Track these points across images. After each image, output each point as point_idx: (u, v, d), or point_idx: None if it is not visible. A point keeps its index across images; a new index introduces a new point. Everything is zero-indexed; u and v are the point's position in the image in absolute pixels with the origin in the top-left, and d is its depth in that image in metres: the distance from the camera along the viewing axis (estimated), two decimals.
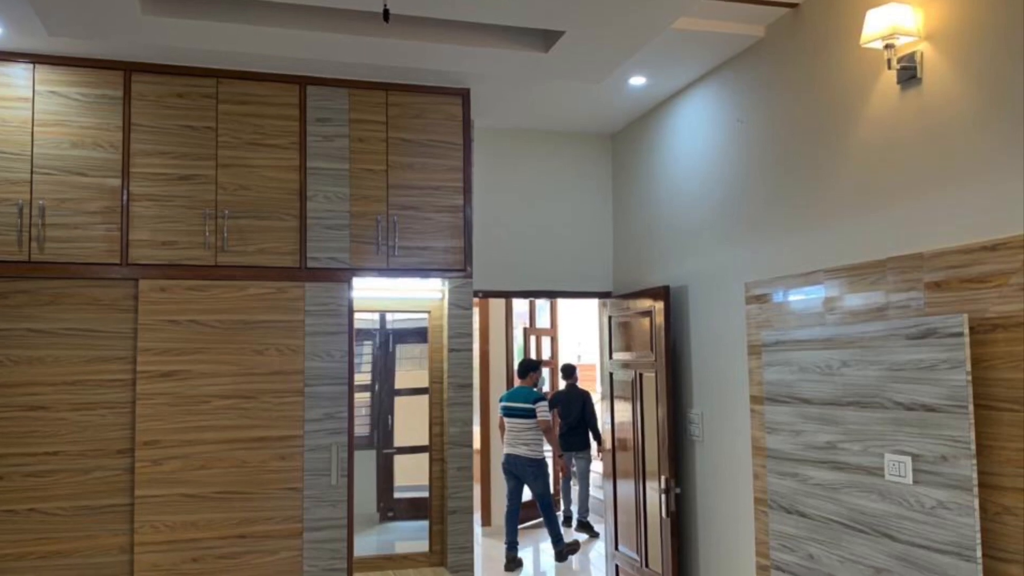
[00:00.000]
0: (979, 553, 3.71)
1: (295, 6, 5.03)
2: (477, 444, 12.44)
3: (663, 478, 6.46)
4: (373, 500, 6.42)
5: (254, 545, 5.55)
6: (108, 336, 5.45)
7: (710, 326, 6.17)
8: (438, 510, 6.36)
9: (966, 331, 3.81)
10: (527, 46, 5.55)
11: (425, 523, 6.39)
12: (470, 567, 6.16)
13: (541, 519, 11.43)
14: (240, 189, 5.70)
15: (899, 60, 4.39)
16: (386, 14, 3.64)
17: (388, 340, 6.49)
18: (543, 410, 10.59)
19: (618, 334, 7.36)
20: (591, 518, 12.63)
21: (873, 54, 4.63)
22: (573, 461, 12.36)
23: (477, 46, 5.43)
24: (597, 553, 11.32)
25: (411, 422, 6.44)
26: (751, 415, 5.41)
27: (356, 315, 6.25)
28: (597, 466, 12.61)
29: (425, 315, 6.47)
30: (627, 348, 7.17)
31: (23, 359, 5.31)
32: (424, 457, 6.41)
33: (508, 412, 10.78)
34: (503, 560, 10.68)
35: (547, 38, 5.49)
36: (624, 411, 7.24)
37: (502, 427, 11.02)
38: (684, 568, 6.49)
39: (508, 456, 10.75)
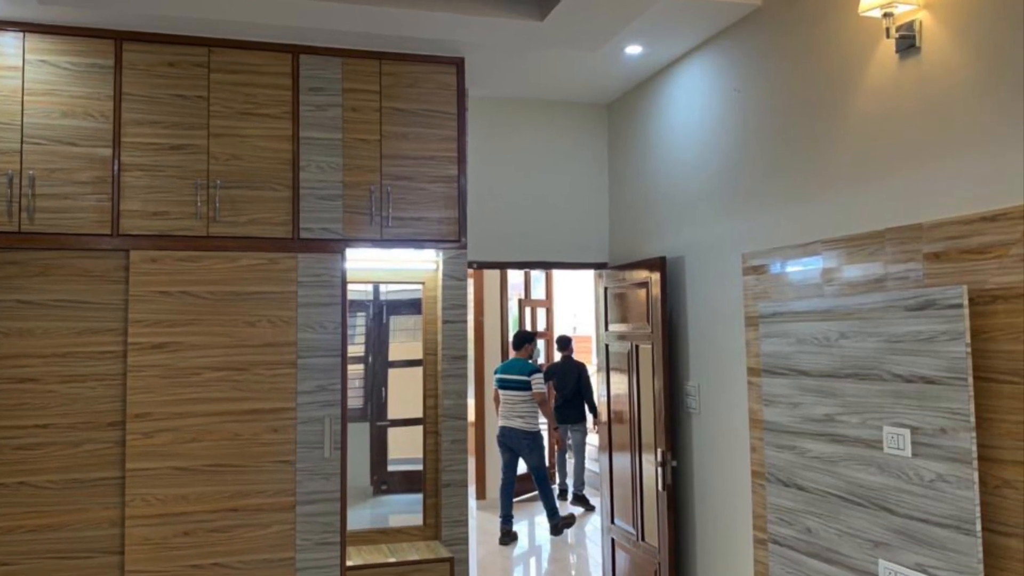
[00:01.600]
0: (978, 527, 3.68)
1: None
2: (472, 416, 12.45)
3: (659, 451, 6.43)
4: (366, 473, 6.40)
5: (246, 518, 5.53)
6: (98, 308, 5.42)
7: (707, 297, 6.13)
8: (432, 483, 6.35)
9: (965, 302, 3.77)
10: (522, 14, 5.50)
11: (419, 496, 6.38)
12: (464, 541, 6.15)
13: (536, 492, 11.41)
14: (232, 159, 5.66)
15: (898, 29, 4.33)
16: None
17: (382, 312, 6.46)
18: (538, 382, 10.57)
19: (614, 305, 7.32)
20: (587, 491, 12.63)
21: (871, 23, 4.58)
22: (569, 434, 12.35)
23: (471, 14, 5.39)
24: (593, 526, 11.33)
25: (405, 394, 6.42)
26: (748, 387, 5.38)
27: (349, 286, 6.22)
28: (593, 439, 12.60)
29: (419, 286, 6.44)
30: (623, 320, 7.13)
31: (13, 331, 5.28)
32: (418, 430, 6.39)
33: (503, 384, 10.76)
34: (498, 534, 10.68)
35: (542, 6, 5.44)
36: (620, 383, 7.21)
37: (497, 399, 11.00)
38: (680, 541, 6.47)
39: (503, 429, 10.73)
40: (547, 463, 11.46)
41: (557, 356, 12.72)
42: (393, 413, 6.45)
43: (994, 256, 3.73)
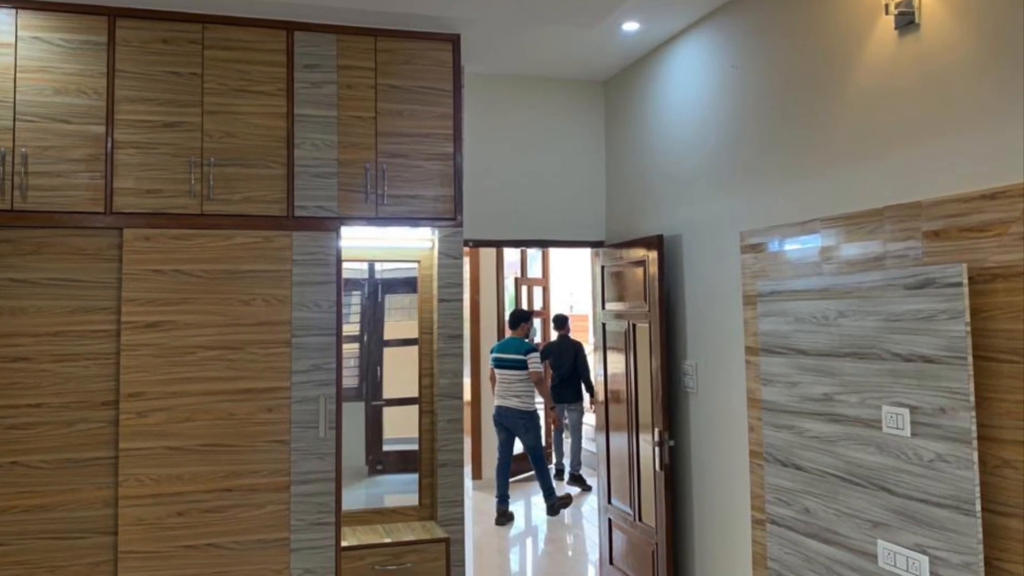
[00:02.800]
0: (978, 507, 3.67)
1: None
2: (467, 396, 12.43)
3: (657, 431, 6.41)
4: (362, 453, 6.39)
5: (240, 499, 5.51)
6: (92, 286, 5.39)
7: (705, 276, 6.11)
8: (428, 463, 6.33)
9: (965, 281, 3.74)
10: None
11: (415, 476, 6.36)
12: (460, 521, 6.13)
13: (533, 472, 11.40)
14: (226, 136, 5.63)
15: (897, 5, 4.30)
16: None
17: (377, 290, 6.43)
18: (535, 361, 10.55)
19: (611, 284, 7.29)
20: (583, 471, 12.62)
21: None
22: (565, 413, 12.32)
23: None
24: (590, 507, 11.32)
25: (400, 373, 6.39)
26: (746, 366, 5.35)
27: (344, 265, 6.20)
28: (589, 418, 12.59)
29: (415, 265, 6.41)
30: (620, 298, 7.11)
31: (5, 309, 5.25)
32: (413, 409, 6.37)
33: (499, 363, 10.74)
34: (494, 514, 10.67)
35: None
36: (617, 362, 7.19)
37: (493, 379, 10.98)
38: (678, 522, 6.46)
39: (499, 408, 10.71)
40: (543, 443, 11.44)
41: (554, 335, 12.69)
42: (388, 392, 6.43)
43: (994, 234, 3.70)
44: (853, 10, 4.67)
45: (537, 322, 14.25)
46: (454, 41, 6.13)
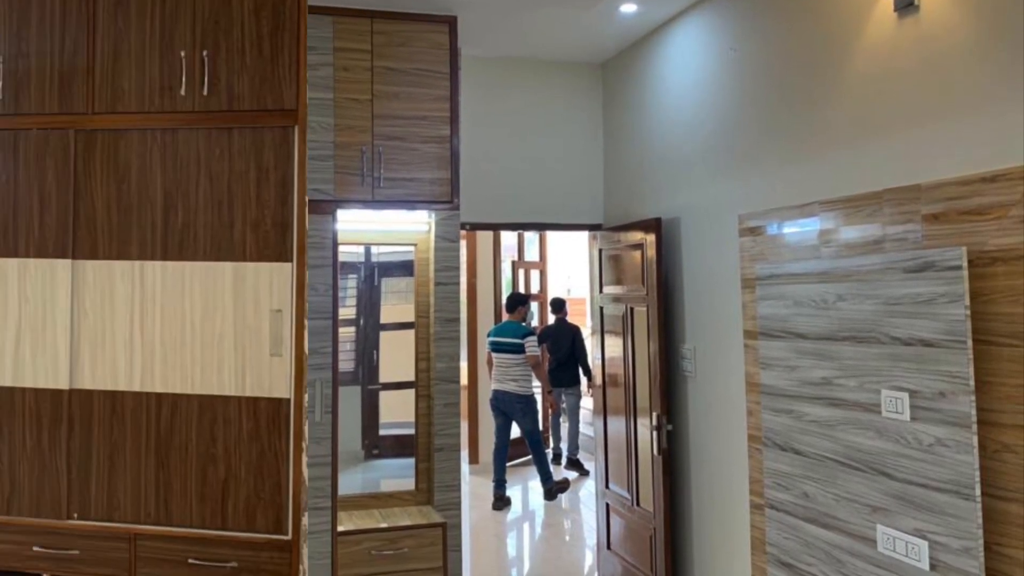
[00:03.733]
0: (978, 491, 3.65)
1: None
2: (464, 380, 12.39)
3: (655, 415, 6.39)
4: (358, 437, 6.38)
5: None
6: None
7: (703, 259, 6.09)
8: (424, 447, 6.32)
9: (965, 264, 3.73)
10: None
11: (411, 461, 6.36)
12: (457, 505, 6.13)
13: (530, 457, 11.39)
14: None
15: None
16: None
17: (373, 273, 6.42)
18: (532, 345, 10.53)
19: (609, 267, 7.27)
20: (581, 455, 12.61)
21: None
22: (563, 397, 12.31)
23: None
24: (587, 491, 11.32)
25: (397, 357, 6.38)
26: (745, 350, 5.34)
27: (340, 248, 6.17)
28: (587, 402, 12.58)
29: (411, 248, 6.40)
30: (618, 282, 7.08)
31: None
32: (410, 393, 6.36)
33: (496, 347, 10.72)
34: (491, 499, 10.67)
35: None
36: (615, 346, 7.17)
37: (490, 363, 10.97)
38: (676, 506, 6.44)
39: (496, 392, 10.70)
40: (541, 427, 11.43)
41: (551, 319, 12.69)
42: (385, 376, 6.42)
43: (993, 217, 3.68)
44: None
45: (534, 305, 14.23)
46: (451, 23, 6.11)
